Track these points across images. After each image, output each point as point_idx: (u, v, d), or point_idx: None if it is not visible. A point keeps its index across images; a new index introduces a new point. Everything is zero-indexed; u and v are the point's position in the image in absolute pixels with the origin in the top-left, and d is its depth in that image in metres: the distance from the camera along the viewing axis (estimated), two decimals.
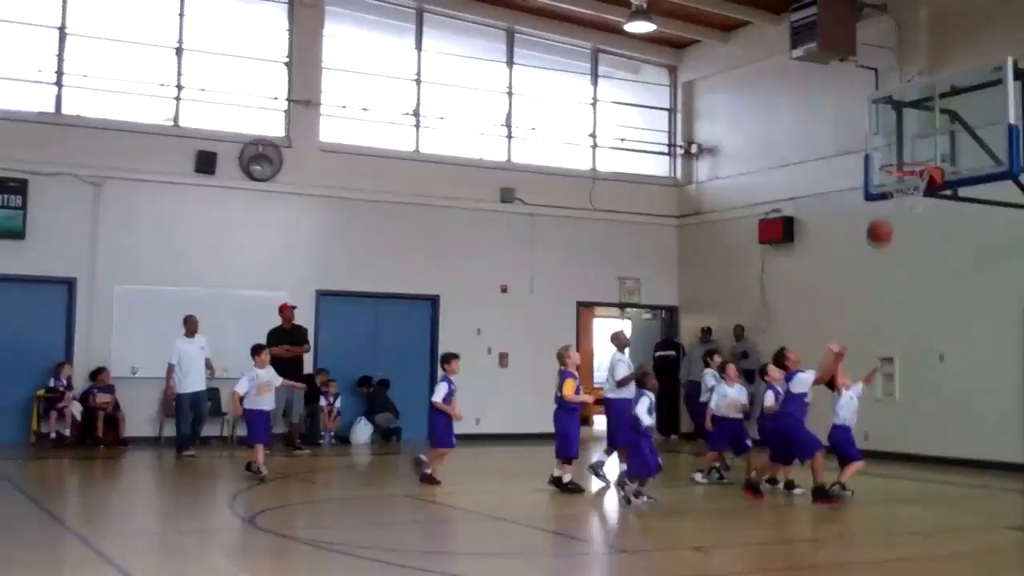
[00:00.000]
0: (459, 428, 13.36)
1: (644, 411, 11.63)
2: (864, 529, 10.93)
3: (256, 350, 13.96)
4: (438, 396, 12.96)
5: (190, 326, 16.57)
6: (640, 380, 12.26)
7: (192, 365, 16.43)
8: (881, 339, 16.89)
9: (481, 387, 18.51)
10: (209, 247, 18.43)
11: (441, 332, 20.15)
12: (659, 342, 21.73)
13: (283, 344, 17.11)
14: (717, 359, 14.90)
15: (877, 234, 12.04)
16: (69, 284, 17.67)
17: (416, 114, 20.54)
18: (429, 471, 12.93)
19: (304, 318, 18.14)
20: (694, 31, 21.20)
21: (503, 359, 20.11)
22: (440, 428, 13.01)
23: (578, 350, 20.21)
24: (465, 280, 20.28)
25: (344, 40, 20.14)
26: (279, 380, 14.14)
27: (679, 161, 22.57)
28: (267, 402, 13.80)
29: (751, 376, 19.73)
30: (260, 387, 13.63)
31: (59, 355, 17.34)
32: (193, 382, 16.43)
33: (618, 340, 14.16)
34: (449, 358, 13.24)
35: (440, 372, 13.45)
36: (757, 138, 20.92)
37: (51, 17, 17.96)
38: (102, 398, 17.29)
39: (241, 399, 13.56)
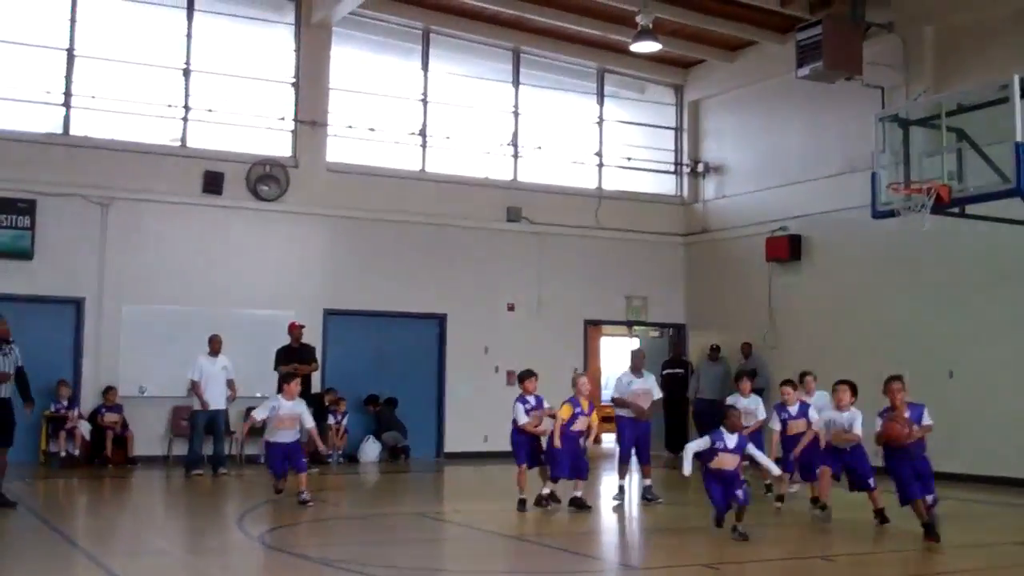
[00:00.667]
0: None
1: (729, 458, 10.58)
2: (880, 546, 10.90)
3: (285, 379, 13.36)
4: (519, 419, 12.52)
5: (214, 346, 16.55)
6: (722, 418, 11.00)
7: (211, 384, 16.43)
8: (889, 356, 16.84)
9: (488, 405, 18.54)
10: (217, 267, 18.46)
11: (448, 350, 20.18)
12: (667, 360, 21.71)
13: (291, 363, 17.15)
14: (746, 383, 14.57)
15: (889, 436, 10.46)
16: (77, 304, 17.71)
17: (423, 134, 20.59)
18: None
19: (312, 337, 18.13)
20: (700, 51, 21.27)
21: (510, 377, 20.03)
22: (515, 447, 12.64)
23: (586, 368, 20.42)
24: (472, 298, 20.30)
25: (351, 61, 20.19)
26: (310, 422, 13.18)
27: (685, 180, 22.60)
28: (285, 435, 12.90)
29: (760, 394, 19.74)
30: (280, 419, 12.82)
31: (68, 375, 17.38)
32: (211, 401, 16.44)
33: (631, 360, 14.10)
34: (523, 377, 12.74)
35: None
36: (764, 156, 20.96)
37: (59, 39, 18.04)
38: (110, 417, 17.30)
39: (259, 425, 13.18)
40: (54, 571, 9.04)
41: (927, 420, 10.83)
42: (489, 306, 20.47)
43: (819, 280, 19.32)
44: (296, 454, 12.96)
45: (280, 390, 13.43)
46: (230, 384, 16.52)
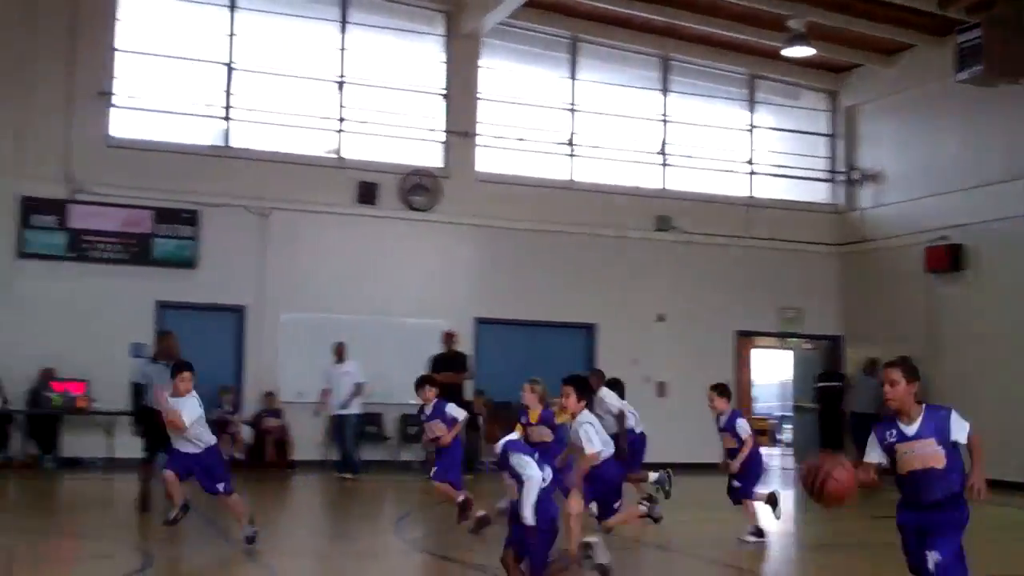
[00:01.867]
0: None
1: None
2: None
3: (173, 371, 10.22)
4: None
5: (338, 352, 17.18)
6: None
7: (334, 390, 16.99)
8: None
9: (639, 417, 18.35)
10: (370, 275, 18.77)
11: (598, 361, 20.10)
12: (821, 373, 21.25)
13: (445, 371, 17.37)
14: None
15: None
16: (239, 312, 18.25)
17: (571, 143, 20.62)
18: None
19: (463, 345, 18.26)
20: (855, 55, 20.79)
21: (661, 388, 19.92)
22: None
23: (737, 381, 20.11)
24: (621, 308, 20.19)
25: (500, 71, 20.36)
26: (191, 415, 9.92)
27: (841, 188, 22.10)
28: (183, 443, 10.09)
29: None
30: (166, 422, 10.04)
31: (231, 380, 17.94)
32: (332, 406, 17.01)
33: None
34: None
35: None
36: (922, 164, 20.33)
37: (219, 53, 18.64)
38: (271, 422, 17.77)
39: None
40: (218, 566, 9.29)
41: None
42: (638, 316, 20.34)
43: (982, 292, 18.62)
44: (204, 469, 10.13)
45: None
46: (358, 388, 16.95)
